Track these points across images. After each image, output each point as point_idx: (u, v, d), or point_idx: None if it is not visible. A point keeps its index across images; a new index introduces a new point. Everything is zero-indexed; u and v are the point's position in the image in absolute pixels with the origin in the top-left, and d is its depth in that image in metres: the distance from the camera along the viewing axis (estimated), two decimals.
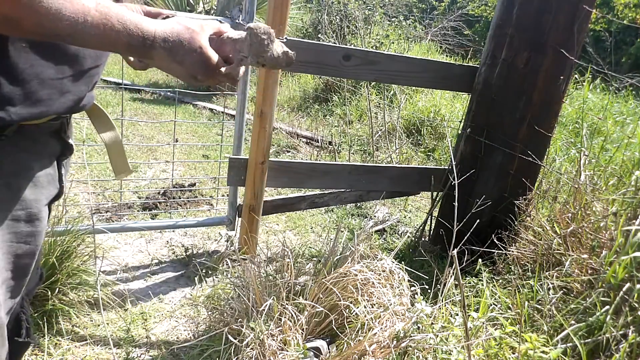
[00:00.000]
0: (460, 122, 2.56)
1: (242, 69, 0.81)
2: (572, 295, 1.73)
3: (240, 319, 1.61)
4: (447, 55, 7.77)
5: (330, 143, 4.28)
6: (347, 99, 5.28)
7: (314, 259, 1.95)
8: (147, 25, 0.68)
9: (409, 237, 2.72)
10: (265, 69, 0.81)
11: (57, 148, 0.82)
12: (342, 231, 2.67)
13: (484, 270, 1.96)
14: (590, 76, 3.30)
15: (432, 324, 1.52)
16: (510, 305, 1.80)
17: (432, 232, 2.65)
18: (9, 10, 0.56)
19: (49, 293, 1.74)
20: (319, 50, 2.14)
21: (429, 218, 2.66)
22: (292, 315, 1.56)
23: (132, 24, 0.66)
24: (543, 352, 1.40)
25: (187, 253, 2.37)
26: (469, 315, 1.56)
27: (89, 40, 0.64)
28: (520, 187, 2.30)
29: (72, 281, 1.82)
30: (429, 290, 1.90)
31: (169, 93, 5.51)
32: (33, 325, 0.88)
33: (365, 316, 1.55)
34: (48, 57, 0.70)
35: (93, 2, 0.62)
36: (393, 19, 7.27)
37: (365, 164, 2.73)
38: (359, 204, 3.21)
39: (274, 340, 1.50)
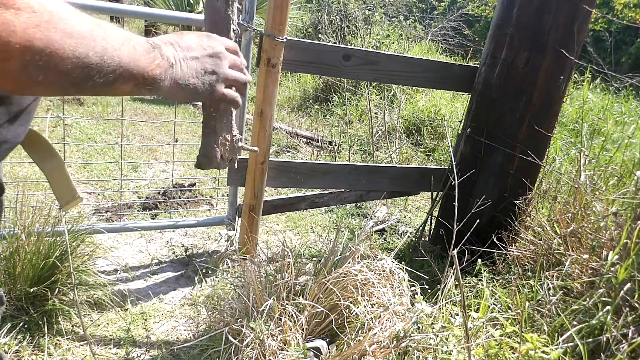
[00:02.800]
0: (460, 122, 2.56)
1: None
2: (572, 295, 1.73)
3: (240, 319, 1.61)
4: (447, 55, 7.77)
5: (330, 143, 4.28)
6: (347, 99, 5.28)
7: (314, 259, 1.95)
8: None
9: (409, 237, 2.72)
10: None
11: None
12: (342, 231, 2.67)
13: (484, 270, 1.96)
14: (590, 76, 3.30)
15: (432, 324, 1.52)
16: (510, 305, 1.79)
17: (432, 232, 2.65)
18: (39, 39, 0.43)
19: (49, 293, 1.74)
20: (319, 50, 2.14)
21: (429, 218, 2.66)
22: (292, 315, 1.56)
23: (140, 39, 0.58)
24: (544, 352, 1.40)
25: (187, 253, 2.37)
26: (469, 316, 1.56)
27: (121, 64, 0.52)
28: (520, 187, 2.30)
29: (72, 281, 1.82)
30: (429, 290, 1.90)
31: None
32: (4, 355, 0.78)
33: (365, 316, 1.55)
34: None
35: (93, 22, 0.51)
36: (393, 19, 7.27)
37: (365, 164, 2.72)
38: (359, 204, 3.21)
39: (274, 340, 1.50)
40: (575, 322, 1.56)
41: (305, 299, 1.65)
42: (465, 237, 1.96)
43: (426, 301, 1.63)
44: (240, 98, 0.75)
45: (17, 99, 0.61)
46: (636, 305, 1.49)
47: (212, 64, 0.67)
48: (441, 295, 1.70)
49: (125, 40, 0.53)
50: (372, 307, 1.61)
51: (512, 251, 2.14)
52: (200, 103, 1.08)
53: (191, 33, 0.69)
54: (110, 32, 0.51)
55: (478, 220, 2.17)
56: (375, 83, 5.08)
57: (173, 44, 0.63)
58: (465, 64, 2.73)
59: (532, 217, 2.25)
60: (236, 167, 0.99)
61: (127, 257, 2.30)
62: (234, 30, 0.88)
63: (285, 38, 1.96)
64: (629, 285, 1.52)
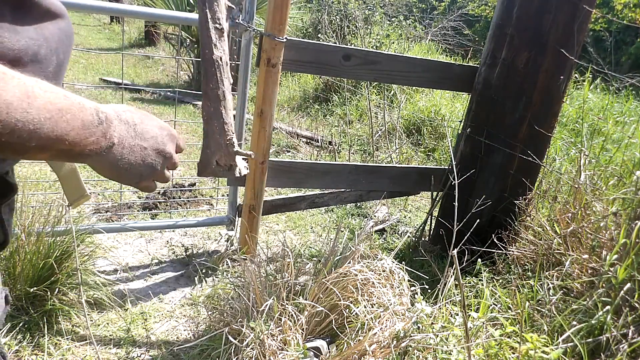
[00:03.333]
0: (460, 122, 2.56)
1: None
2: (572, 295, 1.73)
3: (240, 319, 1.61)
4: (447, 55, 7.77)
5: (330, 143, 4.28)
6: (347, 99, 5.28)
7: (314, 258, 1.95)
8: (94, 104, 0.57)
9: (409, 237, 2.72)
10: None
11: None
12: (342, 231, 2.67)
13: (484, 270, 1.96)
14: (589, 76, 3.30)
15: (432, 324, 1.52)
16: (510, 305, 1.80)
17: (432, 232, 2.65)
18: None
19: (49, 293, 1.74)
20: (319, 50, 2.14)
21: (429, 218, 2.66)
22: (292, 315, 1.56)
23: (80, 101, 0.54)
24: (544, 352, 1.40)
25: (187, 253, 2.37)
26: (469, 315, 1.56)
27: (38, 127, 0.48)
28: (520, 187, 2.30)
29: (72, 281, 1.82)
30: (429, 290, 1.90)
31: (169, 93, 5.51)
32: (7, 355, 0.79)
33: (365, 316, 1.55)
34: None
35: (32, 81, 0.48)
36: (393, 19, 7.27)
37: (365, 164, 2.72)
38: (359, 204, 3.21)
39: (274, 340, 1.50)
40: (575, 322, 1.56)
41: (305, 299, 1.65)
42: (465, 237, 1.96)
43: (426, 301, 1.63)
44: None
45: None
46: (636, 305, 1.49)
47: (154, 160, 0.65)
48: (441, 295, 1.70)
49: (57, 112, 0.49)
50: (372, 307, 1.61)
51: (512, 251, 2.14)
52: (200, 102, 1.12)
53: (155, 120, 0.66)
54: (40, 103, 0.47)
55: (478, 220, 2.17)
56: (375, 83, 5.08)
57: (129, 124, 0.61)
58: (465, 64, 2.73)
59: (532, 217, 2.25)
60: (240, 174, 0.98)
61: (127, 257, 2.30)
62: (216, 27, 0.90)
63: (285, 38, 1.96)
64: (628, 285, 1.52)
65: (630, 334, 1.42)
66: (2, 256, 1.75)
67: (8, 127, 0.44)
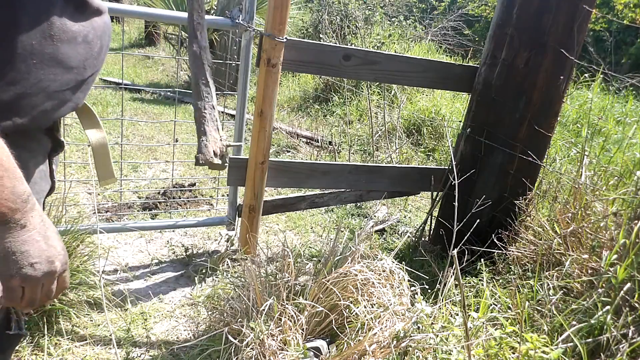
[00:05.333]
0: (460, 122, 2.56)
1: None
2: (572, 295, 1.73)
3: (240, 319, 1.61)
4: (447, 55, 7.76)
5: (330, 143, 4.28)
6: (347, 99, 5.28)
7: (314, 259, 1.95)
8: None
9: (409, 237, 2.72)
10: None
11: (48, 145, 0.85)
12: (342, 231, 2.67)
13: (484, 270, 1.96)
14: (588, 75, 3.30)
15: (432, 324, 1.52)
16: (510, 305, 1.80)
17: (432, 232, 2.65)
18: None
19: None
20: (319, 50, 2.14)
21: (429, 218, 2.66)
22: (292, 315, 1.56)
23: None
24: (544, 352, 1.40)
25: (187, 253, 2.37)
26: (469, 315, 1.56)
27: None
28: (520, 187, 2.30)
29: (72, 281, 1.82)
30: (429, 290, 1.90)
31: (169, 93, 5.51)
32: (25, 318, 0.87)
33: (365, 316, 1.55)
34: (54, 72, 0.73)
35: None
36: (393, 19, 7.27)
37: (365, 164, 2.72)
38: (359, 204, 3.21)
39: (274, 340, 1.50)
40: (575, 322, 1.56)
41: (305, 299, 1.65)
42: (465, 237, 1.96)
43: (426, 301, 1.63)
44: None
45: (81, 70, 0.78)
46: (636, 305, 1.49)
47: (40, 266, 0.68)
48: (441, 295, 1.70)
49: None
50: (372, 307, 1.61)
51: (512, 251, 2.14)
52: (199, 104, 1.24)
53: (60, 245, 0.72)
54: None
55: (478, 220, 2.17)
56: (376, 83, 5.08)
57: (45, 225, 0.69)
58: (466, 64, 2.73)
59: (532, 217, 2.25)
60: (228, 165, 1.16)
61: (127, 257, 2.30)
62: (199, 23, 1.00)
63: (285, 38, 1.96)
64: (628, 285, 1.52)
65: (630, 334, 1.42)
66: None
67: None
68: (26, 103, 0.71)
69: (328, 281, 1.65)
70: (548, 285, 1.77)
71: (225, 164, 1.12)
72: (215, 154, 1.02)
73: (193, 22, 1.04)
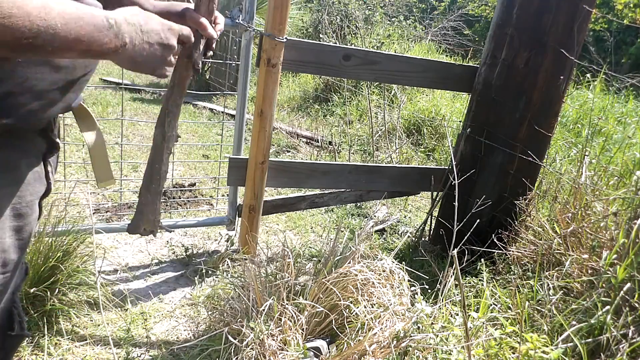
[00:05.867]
0: (460, 122, 2.56)
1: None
2: (572, 295, 1.73)
3: (240, 319, 1.61)
4: (447, 55, 7.77)
5: (330, 143, 4.28)
6: (347, 99, 5.28)
7: (314, 259, 1.95)
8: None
9: (409, 237, 2.72)
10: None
11: (43, 146, 0.84)
12: (342, 231, 2.67)
13: (484, 270, 1.96)
14: (588, 75, 3.30)
15: (432, 324, 1.52)
16: (510, 305, 1.79)
17: (432, 232, 2.65)
18: None
19: (49, 293, 1.74)
20: (319, 50, 2.14)
21: (429, 218, 2.66)
22: (292, 315, 1.56)
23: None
24: (544, 352, 1.40)
25: (187, 253, 2.37)
26: (469, 315, 1.56)
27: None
28: (520, 187, 2.30)
29: (72, 281, 1.82)
30: (429, 290, 1.90)
31: None
32: (25, 319, 0.89)
33: (365, 316, 1.55)
34: (41, 71, 0.72)
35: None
36: (393, 19, 7.27)
37: (365, 164, 2.72)
38: (359, 204, 3.21)
39: (274, 340, 1.50)
40: (575, 322, 1.56)
41: (305, 299, 1.65)
42: (465, 237, 1.96)
43: (426, 301, 1.63)
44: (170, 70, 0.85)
45: (71, 69, 0.77)
46: (636, 305, 1.49)
47: (161, 52, 0.77)
48: (441, 295, 1.69)
49: (77, 18, 0.62)
50: (372, 307, 1.61)
51: (512, 251, 2.14)
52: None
53: (156, 19, 0.77)
54: (55, 13, 0.60)
55: (478, 220, 2.17)
56: (376, 83, 5.08)
57: (135, 25, 0.72)
58: (466, 64, 2.73)
59: (532, 217, 2.25)
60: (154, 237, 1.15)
61: (127, 257, 2.30)
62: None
63: (285, 38, 1.96)
64: (628, 285, 1.52)
65: (630, 334, 1.42)
66: None
67: (33, 31, 0.57)
68: (11, 102, 0.70)
69: (328, 281, 1.65)
70: (548, 285, 1.77)
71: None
72: (146, 230, 1.00)
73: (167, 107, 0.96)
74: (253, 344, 1.47)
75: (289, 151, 4.17)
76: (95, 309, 1.88)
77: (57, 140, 0.87)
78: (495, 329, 1.57)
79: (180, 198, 2.99)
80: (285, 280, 1.68)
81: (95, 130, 0.96)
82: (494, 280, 2.01)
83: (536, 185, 2.38)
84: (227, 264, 2.27)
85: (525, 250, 2.12)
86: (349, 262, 1.75)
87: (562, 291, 1.74)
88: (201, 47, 0.91)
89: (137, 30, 0.72)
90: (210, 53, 0.97)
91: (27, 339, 1.67)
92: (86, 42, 0.64)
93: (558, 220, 2.07)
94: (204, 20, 0.90)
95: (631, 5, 9.79)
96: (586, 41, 2.26)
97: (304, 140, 4.45)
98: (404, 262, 1.97)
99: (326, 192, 2.55)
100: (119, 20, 0.69)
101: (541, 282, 1.80)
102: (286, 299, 1.62)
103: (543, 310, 1.70)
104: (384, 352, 1.46)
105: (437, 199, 2.58)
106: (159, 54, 0.77)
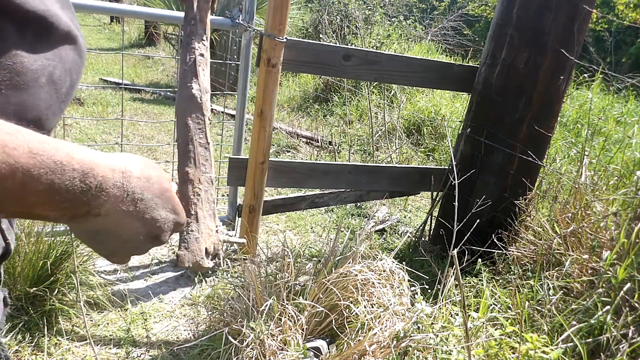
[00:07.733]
0: (460, 122, 2.56)
1: None
2: (572, 295, 1.73)
3: (240, 319, 1.61)
4: (447, 55, 7.77)
5: (330, 143, 4.28)
6: (347, 99, 5.28)
7: (314, 259, 1.95)
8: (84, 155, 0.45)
9: (409, 237, 2.72)
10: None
11: None
12: (342, 231, 2.67)
13: (484, 270, 1.96)
14: (587, 75, 3.31)
15: (432, 324, 1.52)
16: (510, 305, 1.79)
17: (432, 232, 2.65)
18: None
19: (49, 293, 1.74)
20: (319, 51, 2.14)
21: (429, 218, 2.66)
22: (292, 315, 1.56)
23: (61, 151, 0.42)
24: (543, 352, 1.40)
25: None
26: (469, 315, 1.56)
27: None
28: (520, 187, 2.30)
29: (71, 281, 1.82)
30: (429, 290, 1.90)
31: (169, 93, 5.51)
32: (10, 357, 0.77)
33: (365, 316, 1.55)
34: None
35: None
36: (393, 19, 7.27)
37: (365, 164, 2.72)
38: (359, 204, 3.21)
39: (274, 340, 1.50)
40: (575, 322, 1.56)
41: (305, 299, 1.65)
42: (465, 237, 1.96)
43: (426, 301, 1.63)
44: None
45: (42, 121, 0.54)
46: (636, 305, 1.49)
47: (140, 244, 0.54)
48: (441, 295, 1.69)
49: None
50: (372, 307, 1.61)
51: (512, 251, 2.14)
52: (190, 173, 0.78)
53: (173, 200, 0.55)
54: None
55: (478, 220, 2.17)
56: (376, 83, 5.08)
57: (132, 195, 0.49)
58: (465, 64, 2.73)
59: (532, 217, 2.25)
60: (218, 263, 0.78)
61: None
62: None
63: (285, 38, 1.96)
64: (628, 285, 1.52)
65: (630, 334, 1.42)
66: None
67: None
68: None
69: (328, 281, 1.65)
70: (548, 285, 1.77)
71: (217, 268, 0.78)
72: (207, 253, 0.72)
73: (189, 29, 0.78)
74: (253, 344, 1.47)
75: (289, 151, 4.17)
76: (95, 309, 1.88)
77: (8, 240, 0.61)
78: (495, 329, 1.57)
79: None
80: (285, 280, 1.68)
81: None
82: (494, 280, 2.01)
83: (536, 185, 2.38)
84: (227, 264, 2.27)
85: (525, 250, 2.12)
86: (349, 262, 1.75)
87: (562, 291, 1.74)
88: None
89: (127, 203, 0.49)
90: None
91: (27, 339, 1.67)
92: (26, 204, 0.41)
93: (558, 220, 2.07)
94: None
95: (631, 5, 9.79)
96: (586, 41, 2.26)
97: (304, 140, 4.45)
98: (404, 262, 1.97)
99: (326, 192, 2.55)
100: (107, 181, 0.46)
101: (541, 282, 1.80)
102: (286, 299, 1.62)
103: (543, 310, 1.70)
104: (384, 352, 1.46)
105: (437, 199, 2.58)
106: (136, 243, 0.53)
